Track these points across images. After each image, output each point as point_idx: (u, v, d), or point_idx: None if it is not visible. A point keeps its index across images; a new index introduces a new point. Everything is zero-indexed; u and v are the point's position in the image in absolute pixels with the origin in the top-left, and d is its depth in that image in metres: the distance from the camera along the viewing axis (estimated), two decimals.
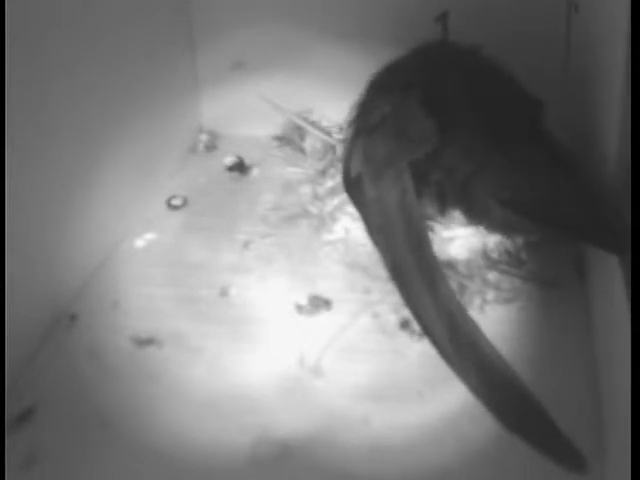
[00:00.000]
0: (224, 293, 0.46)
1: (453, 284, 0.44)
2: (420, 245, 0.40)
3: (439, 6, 0.55)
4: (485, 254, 0.46)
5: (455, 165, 0.42)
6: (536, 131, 0.43)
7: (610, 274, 0.36)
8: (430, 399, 0.38)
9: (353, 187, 0.45)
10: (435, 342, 0.38)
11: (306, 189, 0.55)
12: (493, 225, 0.44)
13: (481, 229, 0.46)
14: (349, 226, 0.50)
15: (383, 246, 0.42)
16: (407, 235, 0.41)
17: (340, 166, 0.49)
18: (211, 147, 0.62)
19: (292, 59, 0.59)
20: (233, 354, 0.41)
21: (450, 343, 0.37)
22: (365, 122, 0.46)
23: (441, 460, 0.35)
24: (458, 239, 0.47)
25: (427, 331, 0.38)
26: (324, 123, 0.60)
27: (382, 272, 0.46)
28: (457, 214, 0.45)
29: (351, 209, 0.50)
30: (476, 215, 0.44)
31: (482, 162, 0.42)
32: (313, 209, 0.52)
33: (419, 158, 0.42)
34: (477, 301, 0.43)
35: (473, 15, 0.55)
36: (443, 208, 0.45)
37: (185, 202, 0.55)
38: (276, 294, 0.45)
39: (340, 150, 0.58)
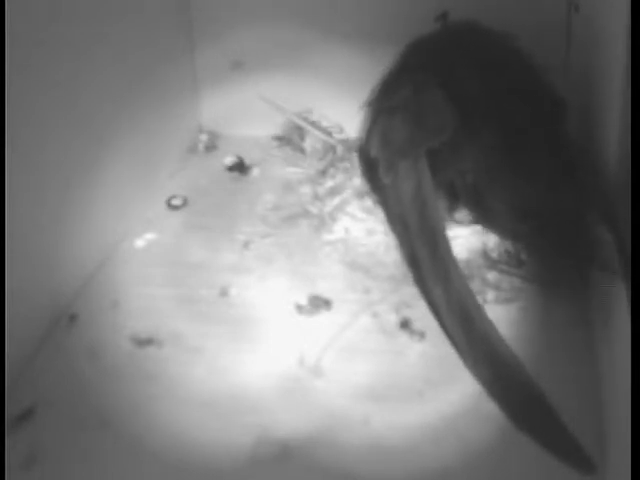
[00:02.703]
0: (224, 293, 0.46)
1: None
2: (435, 238, 0.40)
3: (439, 6, 0.55)
4: (485, 254, 0.46)
5: (469, 166, 0.42)
6: (555, 135, 0.42)
7: (610, 274, 0.36)
8: (430, 399, 0.38)
9: (371, 168, 0.44)
10: (448, 334, 0.38)
11: (306, 189, 0.55)
12: (501, 230, 0.44)
13: (482, 229, 0.46)
14: (349, 226, 0.50)
15: (400, 235, 0.41)
16: (421, 227, 0.40)
17: (358, 145, 0.48)
18: (211, 147, 0.62)
19: (292, 59, 0.59)
20: (233, 354, 0.41)
21: (463, 336, 0.37)
22: (387, 102, 0.46)
23: (441, 460, 0.35)
24: (458, 239, 0.47)
25: (441, 322, 0.38)
26: (324, 123, 0.60)
27: (382, 272, 0.46)
28: (464, 215, 0.45)
29: (351, 209, 0.50)
30: (485, 218, 0.44)
31: (496, 168, 0.42)
32: (313, 209, 0.52)
33: (434, 148, 0.42)
34: None
35: (473, 15, 0.55)
36: (453, 206, 0.45)
37: (185, 202, 0.55)
38: (276, 294, 0.45)
39: (340, 150, 0.58)
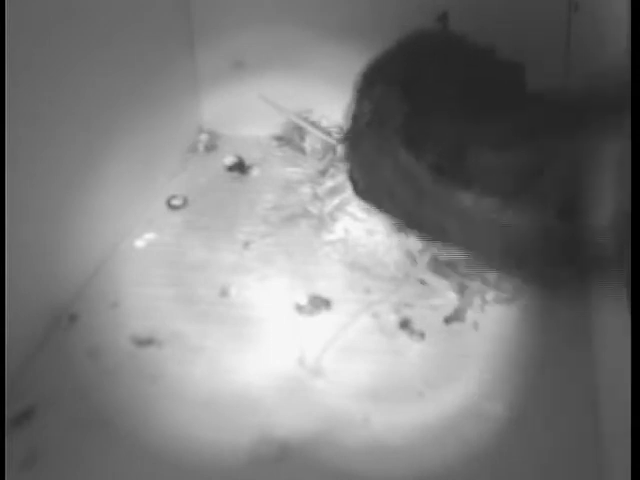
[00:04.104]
0: (224, 293, 0.46)
1: (453, 284, 0.44)
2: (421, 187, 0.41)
3: (439, 6, 0.55)
4: None
5: (443, 141, 0.43)
6: (521, 94, 0.45)
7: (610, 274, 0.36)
8: (430, 399, 0.38)
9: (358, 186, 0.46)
10: (469, 245, 0.40)
11: (306, 189, 0.55)
12: (491, 181, 0.45)
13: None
14: (349, 226, 0.50)
15: (391, 207, 0.44)
16: (411, 185, 0.42)
17: (343, 169, 0.50)
18: (211, 147, 0.62)
19: (292, 59, 0.59)
20: (233, 354, 0.41)
21: (487, 235, 0.39)
22: (357, 128, 0.47)
23: (441, 460, 0.35)
24: None
25: (457, 239, 0.40)
26: (324, 123, 0.60)
27: (382, 272, 0.46)
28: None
29: (351, 209, 0.50)
30: (472, 176, 0.44)
31: (466, 132, 0.43)
32: (313, 209, 0.52)
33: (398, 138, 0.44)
34: (477, 301, 0.43)
35: (473, 15, 0.55)
36: (440, 175, 0.46)
37: (185, 202, 0.55)
38: (276, 294, 0.45)
39: (340, 150, 0.58)
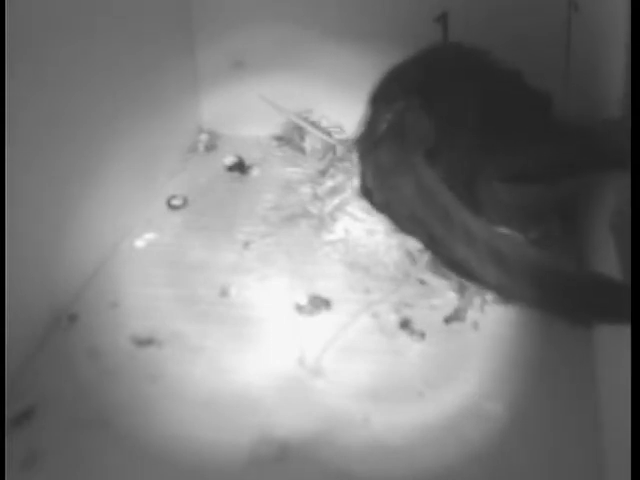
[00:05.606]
0: (224, 293, 0.46)
1: (453, 284, 0.44)
2: (448, 213, 0.41)
3: (439, 6, 0.55)
4: None
5: (456, 166, 0.43)
6: (545, 124, 0.44)
7: (609, 273, 0.36)
8: (430, 399, 0.38)
9: (372, 196, 0.47)
10: (485, 283, 0.40)
11: (306, 189, 0.55)
12: (500, 214, 0.45)
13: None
14: (349, 226, 0.50)
15: (414, 228, 0.44)
16: (432, 209, 0.42)
17: (355, 180, 0.52)
18: (211, 147, 0.62)
19: (292, 59, 0.59)
20: (233, 354, 0.41)
21: (503, 276, 0.39)
22: (373, 137, 0.47)
23: (441, 460, 0.35)
24: None
25: (474, 276, 0.40)
26: (324, 123, 0.60)
27: (382, 272, 0.46)
28: None
29: (351, 209, 0.50)
30: (483, 206, 0.44)
31: (481, 161, 0.43)
32: (313, 209, 0.52)
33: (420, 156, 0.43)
34: (477, 301, 0.43)
35: (473, 15, 0.55)
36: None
37: (185, 202, 0.55)
38: (276, 294, 0.45)
39: (340, 150, 0.58)
